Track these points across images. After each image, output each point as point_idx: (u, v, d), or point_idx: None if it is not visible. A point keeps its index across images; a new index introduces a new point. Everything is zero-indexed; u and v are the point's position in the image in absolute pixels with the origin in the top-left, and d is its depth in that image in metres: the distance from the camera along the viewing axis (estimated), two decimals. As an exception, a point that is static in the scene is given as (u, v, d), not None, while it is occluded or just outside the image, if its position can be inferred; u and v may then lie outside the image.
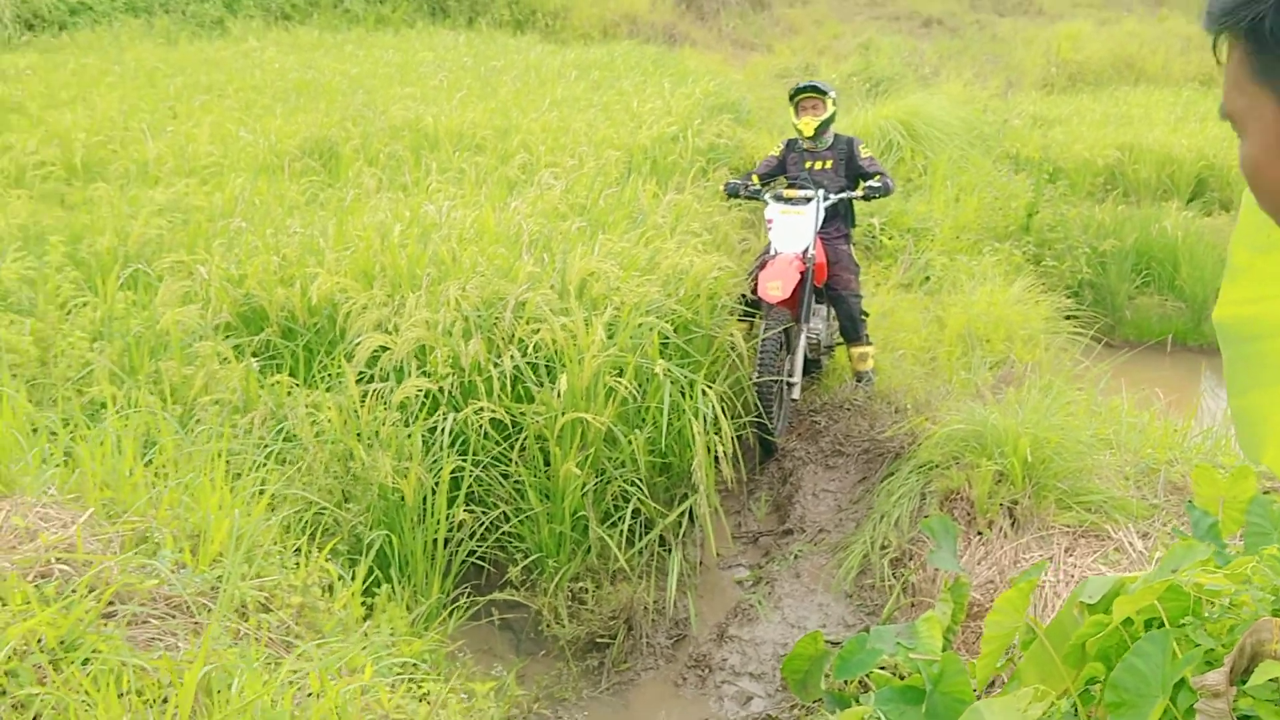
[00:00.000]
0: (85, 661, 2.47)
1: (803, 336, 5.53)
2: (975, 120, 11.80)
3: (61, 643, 2.49)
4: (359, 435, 3.97)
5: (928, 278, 7.76)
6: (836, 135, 6.18)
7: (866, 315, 5.91)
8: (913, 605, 4.05)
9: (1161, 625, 2.65)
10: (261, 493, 3.41)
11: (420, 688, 2.93)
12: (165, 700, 2.50)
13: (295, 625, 3.13)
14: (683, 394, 4.66)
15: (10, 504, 2.96)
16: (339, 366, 4.33)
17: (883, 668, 3.62)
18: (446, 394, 4.24)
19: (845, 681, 3.71)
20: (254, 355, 4.57)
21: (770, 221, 5.72)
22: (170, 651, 2.72)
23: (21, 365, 4.10)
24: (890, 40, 19.71)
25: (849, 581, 4.35)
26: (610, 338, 4.54)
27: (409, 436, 3.96)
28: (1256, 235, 2.52)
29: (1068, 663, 2.74)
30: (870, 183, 5.81)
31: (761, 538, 4.86)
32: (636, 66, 13.13)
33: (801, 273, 5.38)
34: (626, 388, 4.29)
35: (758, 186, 6.04)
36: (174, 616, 2.95)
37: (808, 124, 6.06)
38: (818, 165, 6.10)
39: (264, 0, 17.01)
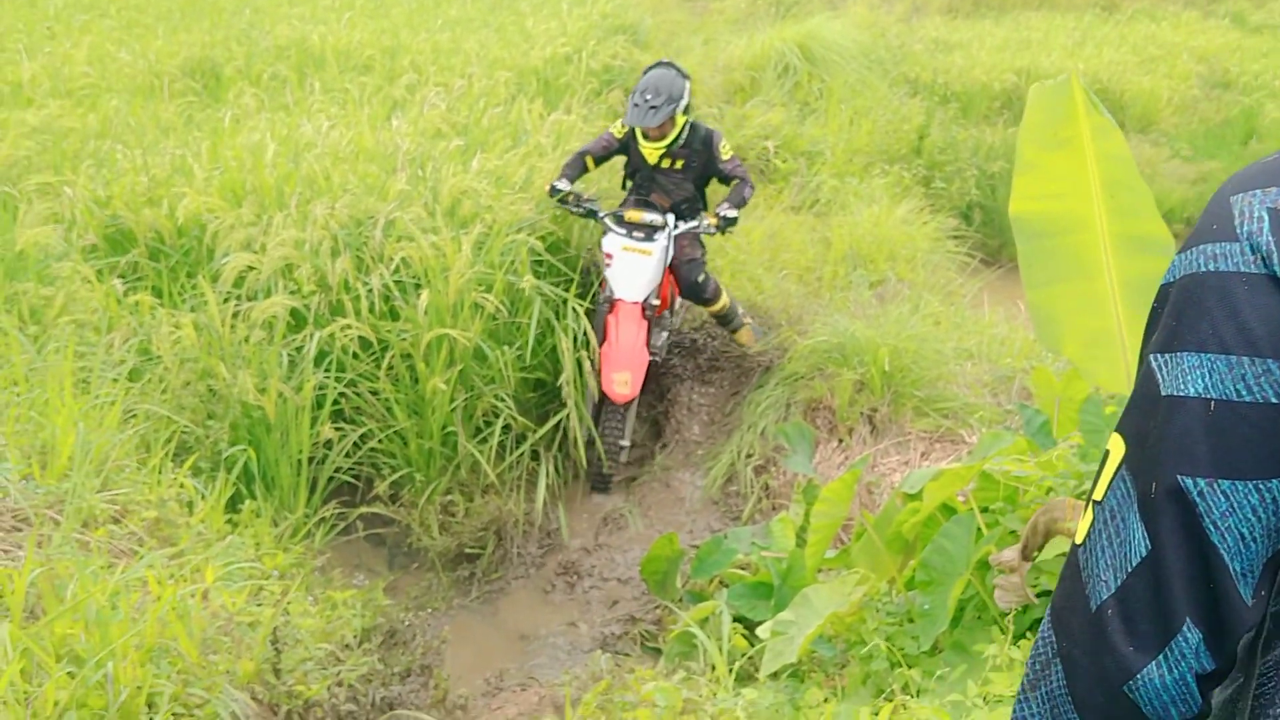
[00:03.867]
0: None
1: (634, 404, 4.70)
2: (874, 45, 11.85)
3: (-109, 554, 2.49)
4: (221, 354, 3.95)
5: (817, 200, 7.85)
6: (693, 126, 4.99)
7: (709, 278, 5.01)
8: (772, 508, 4.19)
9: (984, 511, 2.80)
10: (114, 407, 3.39)
11: (268, 594, 2.96)
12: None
13: (148, 538, 3.14)
14: (556, 313, 4.70)
15: None
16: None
17: (742, 568, 3.76)
18: (313, 312, 4.23)
19: (707, 581, 3.84)
20: (120, 277, 4.50)
21: (610, 257, 4.73)
22: (12, 562, 2.73)
23: None
24: (799, -37, 19.62)
25: (715, 489, 4.47)
26: (480, 255, 4.56)
27: (271, 354, 3.96)
28: (1044, 133, 2.63)
29: (890, 549, 2.89)
30: (724, 212, 4.75)
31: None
32: (538, -14, 12.90)
33: (647, 345, 4.66)
34: (493, 304, 4.32)
35: (595, 204, 4.91)
36: (20, 529, 2.96)
37: (652, 151, 4.94)
38: (665, 163, 4.99)
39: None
